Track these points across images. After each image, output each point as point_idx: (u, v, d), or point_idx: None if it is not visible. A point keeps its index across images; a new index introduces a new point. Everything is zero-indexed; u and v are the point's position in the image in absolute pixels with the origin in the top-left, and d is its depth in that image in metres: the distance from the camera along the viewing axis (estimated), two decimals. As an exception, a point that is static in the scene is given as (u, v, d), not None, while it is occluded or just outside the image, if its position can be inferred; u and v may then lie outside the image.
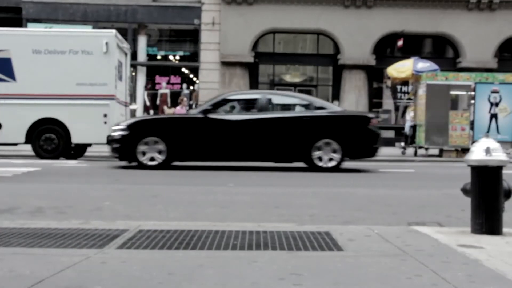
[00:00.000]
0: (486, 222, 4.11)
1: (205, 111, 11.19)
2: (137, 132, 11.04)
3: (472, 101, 16.58)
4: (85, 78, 13.99)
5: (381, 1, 22.46)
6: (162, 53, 23.60)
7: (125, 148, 11.04)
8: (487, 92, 16.57)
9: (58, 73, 13.96)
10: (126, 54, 16.10)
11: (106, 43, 14.17)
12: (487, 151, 4.10)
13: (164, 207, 6.11)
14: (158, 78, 23.38)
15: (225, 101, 11.74)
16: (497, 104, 16.60)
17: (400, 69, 18.27)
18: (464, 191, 4.32)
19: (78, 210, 5.78)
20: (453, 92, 16.75)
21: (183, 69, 24.15)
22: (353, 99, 22.68)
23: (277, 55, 23.37)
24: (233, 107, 11.92)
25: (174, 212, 5.82)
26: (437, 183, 9.25)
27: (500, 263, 3.28)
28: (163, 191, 7.58)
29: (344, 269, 3.15)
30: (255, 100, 11.57)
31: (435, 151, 17.19)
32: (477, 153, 4.13)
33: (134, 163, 11.11)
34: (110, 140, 11.36)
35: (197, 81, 23.41)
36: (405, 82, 21.98)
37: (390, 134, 23.09)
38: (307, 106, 11.58)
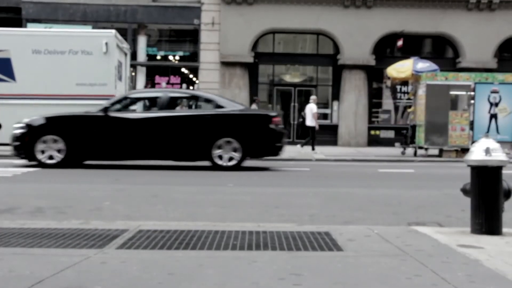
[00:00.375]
0: (486, 222, 4.11)
1: (106, 109, 11.04)
2: (36, 130, 10.87)
3: (472, 101, 16.58)
4: (85, 78, 13.99)
5: (381, 1, 22.45)
6: (162, 53, 23.57)
7: (24, 146, 10.88)
8: (486, 92, 16.54)
9: (58, 73, 13.96)
10: (125, 54, 16.10)
11: (106, 43, 14.16)
12: (487, 151, 4.10)
13: (164, 207, 6.11)
14: (158, 78, 23.34)
15: (126, 99, 11.65)
16: (496, 104, 16.58)
17: (400, 69, 18.24)
18: (464, 191, 4.32)
19: (78, 210, 5.78)
20: (452, 92, 16.73)
21: (183, 69, 24.13)
22: (353, 99, 22.67)
23: (277, 55, 23.35)
24: (135, 106, 11.74)
25: (174, 212, 5.82)
26: (437, 183, 9.25)
27: (500, 263, 3.28)
28: (163, 191, 7.58)
29: (344, 269, 3.15)
30: (156, 98, 11.45)
31: (435, 151, 17.18)
32: (477, 153, 4.13)
33: (34, 162, 10.90)
34: (12, 138, 11.15)
35: (197, 81, 23.39)
36: (404, 82, 21.94)
37: (390, 134, 23.07)
38: (209, 105, 11.54)
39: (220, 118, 11.08)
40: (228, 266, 3.18)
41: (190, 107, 12.43)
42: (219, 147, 10.90)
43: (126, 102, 11.61)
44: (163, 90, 11.78)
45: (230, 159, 10.92)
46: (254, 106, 18.27)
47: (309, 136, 18.36)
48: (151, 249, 3.62)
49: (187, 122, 11.06)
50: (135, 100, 12.00)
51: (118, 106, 11.27)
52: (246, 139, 10.94)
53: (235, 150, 10.91)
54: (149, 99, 11.87)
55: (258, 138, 11.09)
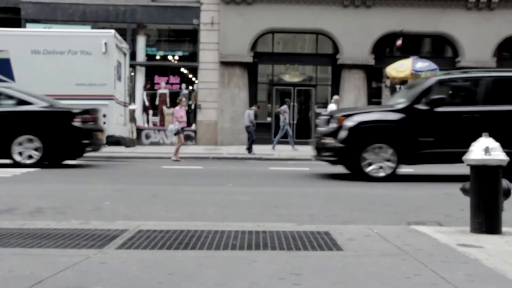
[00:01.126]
0: (486, 221, 4.11)
1: None
2: None
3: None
4: (84, 78, 14.00)
5: (380, 0, 22.45)
6: (161, 53, 23.56)
7: None
8: (486, 92, 16.53)
9: (57, 73, 13.97)
10: (125, 54, 16.11)
11: (105, 43, 14.16)
12: (486, 150, 4.10)
13: (164, 207, 6.11)
14: (157, 78, 23.34)
15: None
16: (496, 104, 16.56)
17: (399, 68, 18.25)
18: (464, 190, 4.32)
19: (77, 210, 5.77)
20: (452, 92, 16.73)
21: (182, 69, 24.12)
22: (352, 98, 22.67)
23: (276, 55, 23.35)
24: None
25: (174, 212, 5.82)
26: (437, 183, 9.25)
27: (499, 262, 3.28)
28: (162, 191, 7.57)
29: (343, 269, 3.15)
30: None
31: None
32: (476, 153, 4.13)
33: None
34: None
35: (196, 81, 23.38)
36: (404, 82, 21.95)
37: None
38: (12, 101, 11.29)
39: (19, 115, 10.96)
40: (228, 266, 3.18)
41: None
42: (20, 145, 10.80)
43: None
44: None
45: (31, 157, 10.82)
46: (285, 107, 18.69)
47: None
48: (151, 249, 3.62)
49: None
50: None
51: None
52: (47, 136, 10.83)
53: (36, 148, 10.83)
54: None
55: (59, 136, 10.95)
